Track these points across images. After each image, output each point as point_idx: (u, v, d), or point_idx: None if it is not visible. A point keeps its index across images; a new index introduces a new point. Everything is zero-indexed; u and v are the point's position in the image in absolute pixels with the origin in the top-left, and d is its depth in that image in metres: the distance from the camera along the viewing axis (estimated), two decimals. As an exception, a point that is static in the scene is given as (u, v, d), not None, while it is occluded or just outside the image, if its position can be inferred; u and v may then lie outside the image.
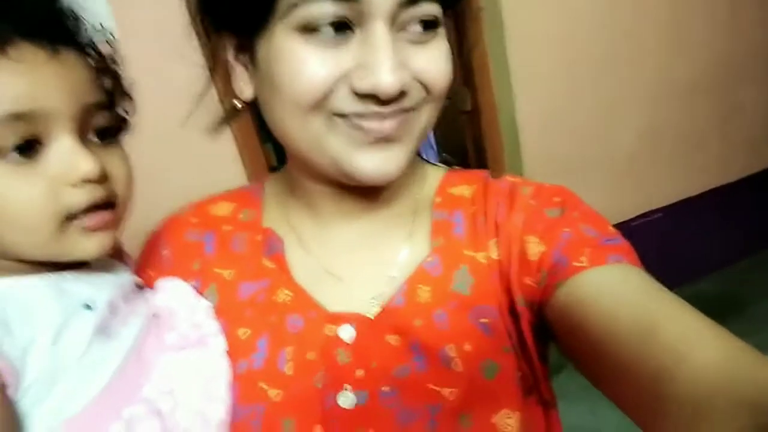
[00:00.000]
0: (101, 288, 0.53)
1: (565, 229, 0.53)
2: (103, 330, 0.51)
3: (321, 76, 0.48)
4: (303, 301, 0.59)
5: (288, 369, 0.56)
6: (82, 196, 0.47)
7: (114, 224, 0.52)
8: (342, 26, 0.48)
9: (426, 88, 0.52)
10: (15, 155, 0.44)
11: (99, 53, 0.54)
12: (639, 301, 0.46)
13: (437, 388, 0.53)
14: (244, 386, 0.57)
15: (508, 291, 0.55)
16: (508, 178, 0.63)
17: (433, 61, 0.51)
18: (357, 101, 0.49)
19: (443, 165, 0.67)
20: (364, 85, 0.48)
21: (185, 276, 0.64)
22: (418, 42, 0.50)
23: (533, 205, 0.57)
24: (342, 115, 0.51)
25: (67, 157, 0.46)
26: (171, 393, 0.53)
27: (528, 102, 2.39)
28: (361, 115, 0.50)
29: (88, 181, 0.47)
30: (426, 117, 0.54)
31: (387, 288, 0.58)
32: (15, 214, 0.45)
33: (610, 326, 0.45)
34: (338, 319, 0.57)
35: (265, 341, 0.59)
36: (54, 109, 0.45)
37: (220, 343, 0.58)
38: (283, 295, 0.60)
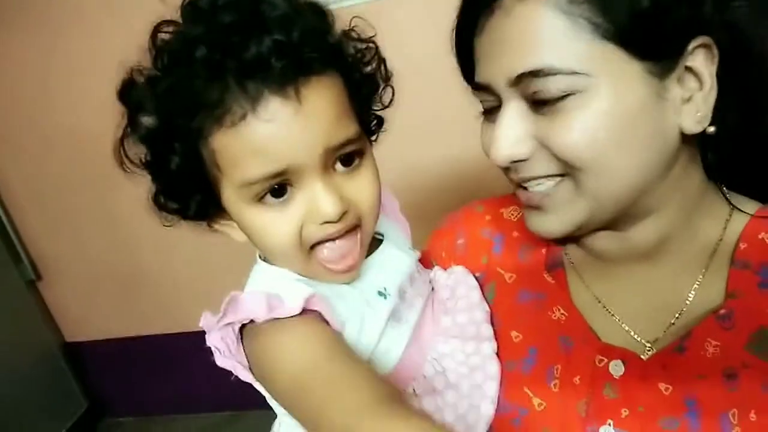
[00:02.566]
0: (392, 274, 0.61)
1: None
2: (394, 315, 0.59)
3: (486, 149, 0.58)
4: (577, 324, 0.60)
5: (554, 386, 0.59)
6: (322, 232, 0.52)
7: (358, 247, 0.55)
8: (497, 106, 0.55)
9: (559, 159, 0.51)
10: (270, 198, 0.50)
11: (358, 67, 0.56)
12: None
13: None
14: (510, 385, 0.61)
15: None
16: None
17: (558, 132, 0.50)
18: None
19: (754, 202, 0.61)
20: (488, 155, 0.56)
21: (473, 266, 0.71)
22: (549, 113, 0.51)
23: None
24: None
25: (313, 201, 0.50)
26: (444, 374, 0.60)
27: None
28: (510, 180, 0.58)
29: (329, 222, 0.51)
30: (588, 189, 0.52)
31: (666, 334, 0.57)
32: (272, 244, 0.53)
33: None
34: (610, 352, 0.57)
35: (536, 351, 0.62)
36: (302, 163, 0.49)
37: (493, 347, 0.63)
38: (559, 314, 0.62)
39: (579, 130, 0.50)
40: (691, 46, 0.51)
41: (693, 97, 0.53)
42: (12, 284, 2.25)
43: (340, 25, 0.56)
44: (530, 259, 0.69)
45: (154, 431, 2.35)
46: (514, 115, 0.53)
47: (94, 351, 2.44)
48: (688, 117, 0.53)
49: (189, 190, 0.54)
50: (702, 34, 0.51)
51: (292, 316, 0.51)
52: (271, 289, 0.54)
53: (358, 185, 0.54)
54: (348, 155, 0.53)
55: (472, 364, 0.61)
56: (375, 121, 0.61)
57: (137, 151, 0.53)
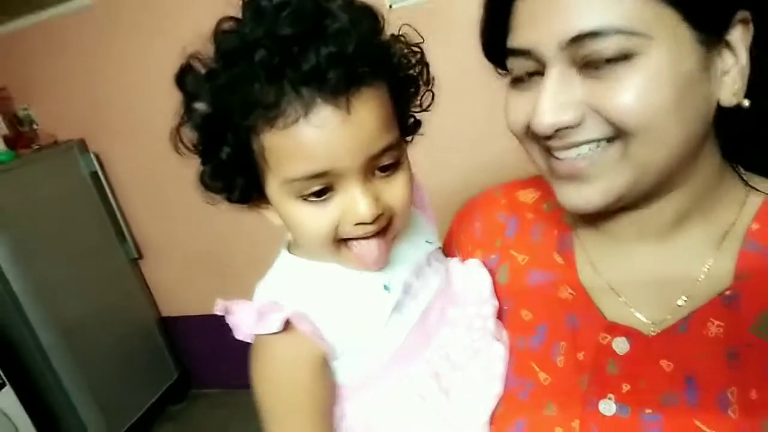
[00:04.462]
0: (399, 267, 0.62)
1: None
2: (397, 308, 0.60)
3: (515, 117, 0.57)
4: (583, 303, 0.62)
5: (559, 362, 0.61)
6: (356, 231, 0.55)
7: (387, 244, 0.58)
8: (534, 73, 0.54)
9: (610, 122, 0.50)
10: (313, 198, 0.53)
11: (403, 72, 0.58)
12: None
13: (705, 428, 0.50)
14: (518, 360, 0.63)
15: None
16: None
17: (611, 95, 0.48)
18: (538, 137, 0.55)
19: None
20: (530, 124, 0.54)
21: (488, 248, 0.73)
22: (598, 76, 0.49)
23: None
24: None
25: (350, 203, 0.53)
26: (448, 358, 0.63)
27: None
28: (552, 148, 0.55)
29: (364, 223, 0.53)
30: (634, 155, 0.50)
31: (671, 316, 0.57)
32: (306, 234, 0.56)
33: None
34: (615, 329, 0.58)
35: (544, 329, 0.64)
36: (345, 167, 0.51)
37: (497, 334, 0.65)
38: (566, 293, 0.63)
39: (634, 92, 0.48)
40: (734, 20, 0.51)
41: (730, 70, 0.52)
42: (117, 261, 2.51)
43: (390, 27, 0.57)
44: (542, 241, 0.69)
45: (236, 403, 2.50)
46: (561, 79, 0.51)
47: (186, 326, 2.65)
48: (726, 90, 0.52)
49: (235, 176, 0.56)
50: (744, 8, 0.51)
51: (275, 332, 0.55)
52: (277, 293, 0.59)
53: (394, 189, 0.56)
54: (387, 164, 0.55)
55: (477, 348, 0.63)
56: (413, 123, 0.62)
57: (191, 136, 0.56)
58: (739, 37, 0.52)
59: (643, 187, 0.54)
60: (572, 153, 0.53)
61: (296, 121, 0.49)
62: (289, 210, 0.55)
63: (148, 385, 2.57)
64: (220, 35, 0.52)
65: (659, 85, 0.48)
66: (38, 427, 2.03)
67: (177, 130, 0.55)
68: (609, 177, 0.53)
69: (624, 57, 0.48)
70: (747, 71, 0.52)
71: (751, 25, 0.52)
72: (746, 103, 0.53)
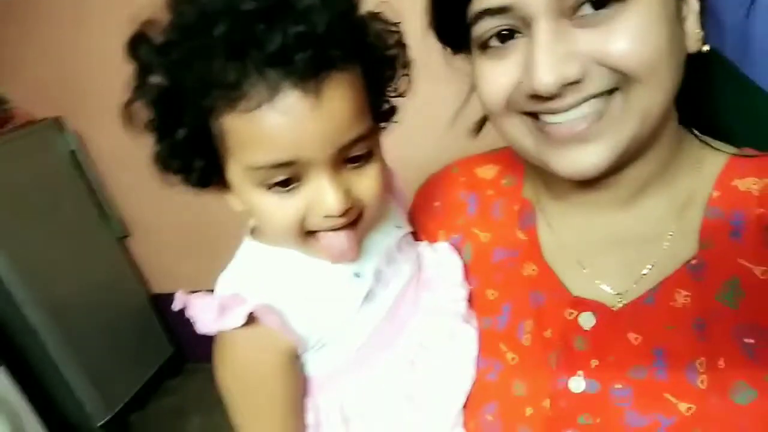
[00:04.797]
0: (370, 254, 0.60)
1: None
2: (369, 296, 0.59)
3: (497, 86, 0.52)
4: (547, 279, 0.60)
5: (525, 340, 0.59)
6: (324, 224, 0.52)
7: (357, 236, 0.55)
8: (507, 35, 0.50)
9: (616, 70, 0.47)
10: (277, 188, 0.50)
11: (379, 52, 0.54)
12: None
13: (674, 400, 0.50)
14: (486, 341, 0.63)
15: None
16: None
17: (612, 40, 0.46)
18: (532, 101, 0.50)
19: (730, 147, 0.58)
20: (526, 87, 0.49)
21: (450, 229, 0.71)
22: (592, 24, 0.46)
23: None
24: (530, 114, 0.52)
25: (318, 195, 0.49)
26: (421, 344, 0.62)
27: None
28: (545, 113, 0.51)
29: (331, 216, 0.51)
30: (637, 103, 0.48)
31: (636, 285, 0.56)
32: (272, 226, 0.53)
33: None
34: (580, 304, 0.57)
35: (509, 308, 0.63)
36: (313, 157, 0.48)
37: (470, 318, 0.64)
38: (530, 270, 0.62)
39: (635, 35, 0.47)
40: None
41: (689, 18, 0.52)
42: (103, 240, 2.48)
43: (366, 6, 0.53)
44: (504, 217, 0.68)
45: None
46: (554, 32, 0.47)
47: (179, 302, 2.65)
48: (690, 36, 0.52)
49: (193, 159, 0.52)
50: None
51: (239, 326, 0.53)
52: (240, 284, 0.56)
53: (365, 180, 0.53)
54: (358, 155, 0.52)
55: (450, 332, 0.62)
56: (388, 109, 0.59)
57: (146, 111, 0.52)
58: None
59: (641, 139, 0.52)
60: (572, 114, 0.50)
61: (260, 105, 0.45)
62: (252, 199, 0.52)
63: (143, 362, 2.57)
64: (178, 3, 0.47)
65: (655, 26, 0.47)
66: (35, 406, 2.02)
67: (128, 105, 0.51)
68: (615, 130, 0.50)
69: (608, 2, 0.46)
70: (699, 19, 0.52)
71: None
72: (706, 48, 0.53)
